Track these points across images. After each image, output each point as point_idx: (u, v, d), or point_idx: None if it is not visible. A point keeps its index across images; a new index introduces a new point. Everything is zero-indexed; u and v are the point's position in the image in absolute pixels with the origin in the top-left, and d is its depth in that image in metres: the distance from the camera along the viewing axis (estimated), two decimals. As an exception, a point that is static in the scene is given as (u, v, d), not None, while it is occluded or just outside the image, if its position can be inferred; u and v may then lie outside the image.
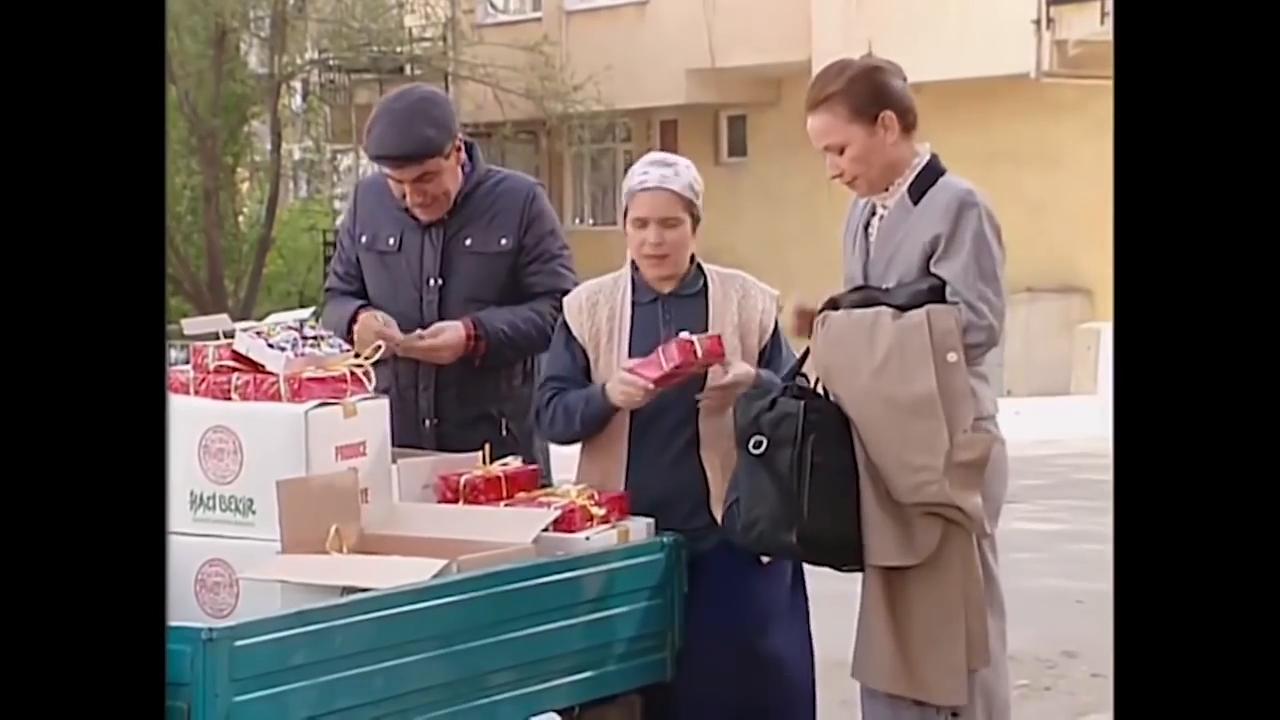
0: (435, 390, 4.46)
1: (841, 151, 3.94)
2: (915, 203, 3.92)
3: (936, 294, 3.83)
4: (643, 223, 4.08)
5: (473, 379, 4.43)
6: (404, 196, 4.42)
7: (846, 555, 3.87)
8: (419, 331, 4.36)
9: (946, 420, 3.76)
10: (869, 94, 3.92)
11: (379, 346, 4.10)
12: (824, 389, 3.93)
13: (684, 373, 3.97)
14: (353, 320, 4.40)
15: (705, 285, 4.16)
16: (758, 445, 3.84)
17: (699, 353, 3.94)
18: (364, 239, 4.54)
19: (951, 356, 3.77)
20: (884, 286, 3.89)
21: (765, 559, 4.05)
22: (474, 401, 4.46)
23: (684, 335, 3.97)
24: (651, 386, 3.97)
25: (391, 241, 4.49)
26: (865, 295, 3.91)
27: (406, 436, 4.29)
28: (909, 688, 3.86)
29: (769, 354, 4.15)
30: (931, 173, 3.95)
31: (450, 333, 4.35)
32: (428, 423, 4.46)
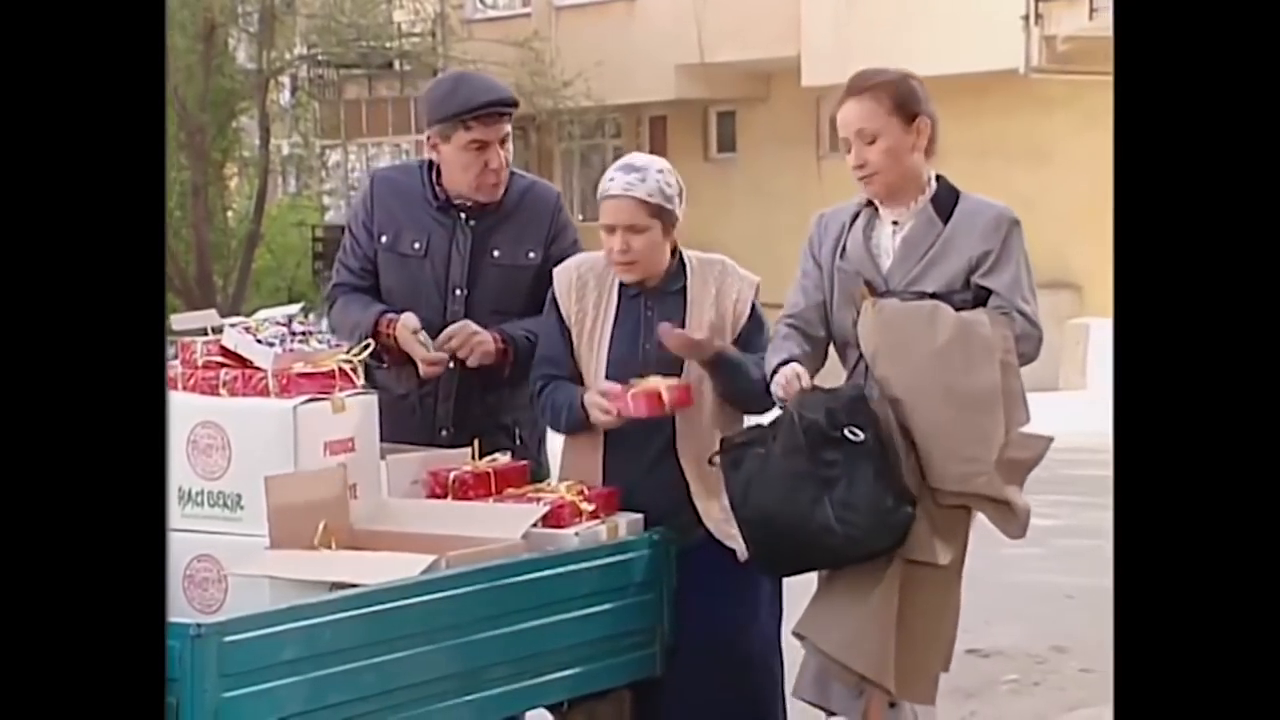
0: (455, 400, 4.40)
1: (871, 142, 3.94)
2: (945, 220, 3.96)
3: (980, 305, 3.90)
4: (610, 229, 4.08)
5: (492, 389, 4.38)
6: (484, 166, 4.34)
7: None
8: (449, 330, 4.29)
9: (1004, 417, 3.79)
10: (912, 95, 3.98)
11: (368, 344, 4.08)
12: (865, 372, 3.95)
13: (655, 416, 3.98)
14: (376, 324, 4.31)
15: (686, 280, 4.15)
16: (855, 434, 3.76)
17: (666, 406, 3.95)
18: (384, 239, 4.44)
19: (1010, 358, 3.84)
20: (929, 291, 3.91)
21: (744, 558, 4.01)
22: (493, 411, 4.41)
23: (653, 383, 3.95)
24: (617, 419, 3.99)
25: (417, 246, 4.41)
26: (916, 296, 3.91)
27: (423, 445, 4.26)
28: (889, 681, 3.86)
29: (744, 338, 4.13)
30: (950, 193, 4.01)
31: (478, 329, 4.30)
32: (445, 432, 4.40)
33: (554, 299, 4.18)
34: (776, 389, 3.92)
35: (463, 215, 4.41)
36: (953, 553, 3.84)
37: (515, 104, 4.43)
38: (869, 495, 3.74)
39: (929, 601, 3.85)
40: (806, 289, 4.08)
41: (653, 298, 4.14)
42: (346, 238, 4.56)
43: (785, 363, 3.94)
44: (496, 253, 4.40)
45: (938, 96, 4.12)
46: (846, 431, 3.76)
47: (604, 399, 4.02)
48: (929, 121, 3.97)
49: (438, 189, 4.42)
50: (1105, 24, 16.96)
